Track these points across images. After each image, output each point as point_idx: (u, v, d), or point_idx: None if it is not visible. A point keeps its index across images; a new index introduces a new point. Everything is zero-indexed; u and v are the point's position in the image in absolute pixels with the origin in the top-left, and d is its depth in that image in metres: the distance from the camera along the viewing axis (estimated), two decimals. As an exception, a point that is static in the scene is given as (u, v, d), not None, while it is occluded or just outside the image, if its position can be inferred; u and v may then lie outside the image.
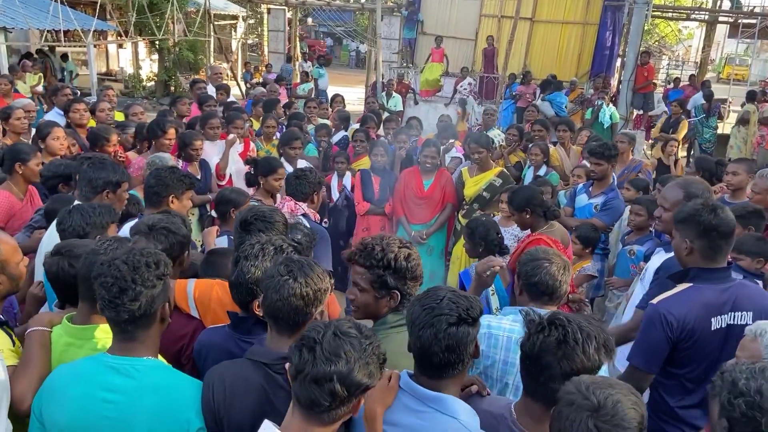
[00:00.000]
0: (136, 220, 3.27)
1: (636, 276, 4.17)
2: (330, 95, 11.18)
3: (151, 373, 1.88)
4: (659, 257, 3.27)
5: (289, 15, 20.19)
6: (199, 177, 5.05)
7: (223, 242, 3.76)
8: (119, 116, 6.84)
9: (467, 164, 5.99)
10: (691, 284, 2.61)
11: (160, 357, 2.02)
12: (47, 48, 15.28)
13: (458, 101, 12.99)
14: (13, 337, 2.30)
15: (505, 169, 5.89)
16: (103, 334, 2.12)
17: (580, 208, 5.14)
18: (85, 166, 3.30)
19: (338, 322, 1.66)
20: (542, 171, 6.20)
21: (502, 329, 2.38)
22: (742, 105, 12.48)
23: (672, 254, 3.10)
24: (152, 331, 1.92)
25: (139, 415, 1.84)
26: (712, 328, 2.56)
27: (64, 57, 15.55)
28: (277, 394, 1.91)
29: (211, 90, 9.33)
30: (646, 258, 4.14)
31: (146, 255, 1.89)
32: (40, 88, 11.10)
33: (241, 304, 2.21)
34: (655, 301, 2.63)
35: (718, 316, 2.56)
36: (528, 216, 3.85)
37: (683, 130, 10.53)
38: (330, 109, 9.19)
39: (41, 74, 12.55)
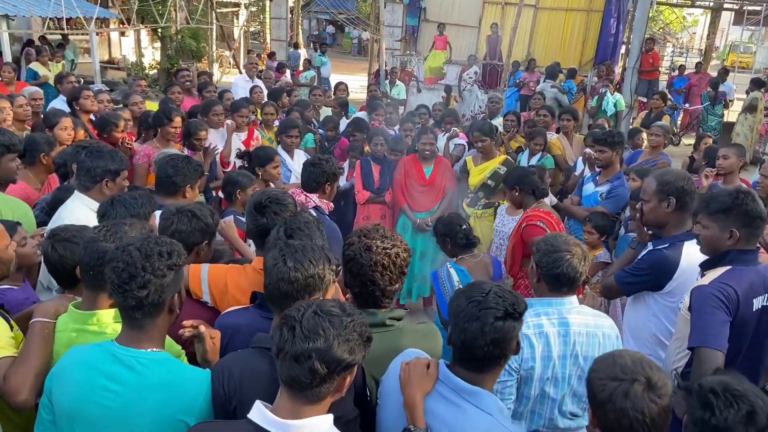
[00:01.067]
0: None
1: None
2: (333, 83, 11.14)
3: (154, 368, 1.88)
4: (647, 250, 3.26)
5: (291, 2, 20.11)
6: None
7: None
8: (153, 105, 6.86)
9: (473, 152, 5.98)
10: (730, 266, 2.65)
11: (168, 343, 2.03)
12: (60, 37, 15.19)
13: (444, 87, 12.94)
14: (11, 321, 2.31)
15: (509, 157, 5.89)
16: (106, 318, 2.14)
17: (586, 197, 5.15)
18: (82, 155, 3.29)
19: (322, 301, 1.68)
20: (536, 158, 6.22)
21: (529, 326, 2.41)
22: (747, 92, 12.38)
23: (660, 248, 3.09)
24: (159, 321, 1.92)
25: (138, 410, 1.84)
26: (754, 309, 2.61)
27: (61, 45, 15.47)
28: None
29: (246, 81, 9.31)
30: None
31: (160, 244, 1.90)
32: None
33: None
34: (704, 282, 2.63)
35: (759, 297, 2.62)
36: (517, 194, 4.27)
37: None
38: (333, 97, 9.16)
39: (64, 62, 12.49)
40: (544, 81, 11.71)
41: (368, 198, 5.86)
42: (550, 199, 5.26)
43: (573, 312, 2.50)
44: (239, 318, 2.30)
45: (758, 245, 2.75)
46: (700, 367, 2.45)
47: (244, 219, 3.93)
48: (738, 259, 2.65)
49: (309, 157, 5.83)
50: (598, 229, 4.59)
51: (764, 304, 2.63)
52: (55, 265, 2.41)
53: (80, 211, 3.13)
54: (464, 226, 3.84)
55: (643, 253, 3.18)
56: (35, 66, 10.41)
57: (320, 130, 7.07)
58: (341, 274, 2.23)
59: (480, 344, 1.77)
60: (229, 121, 5.78)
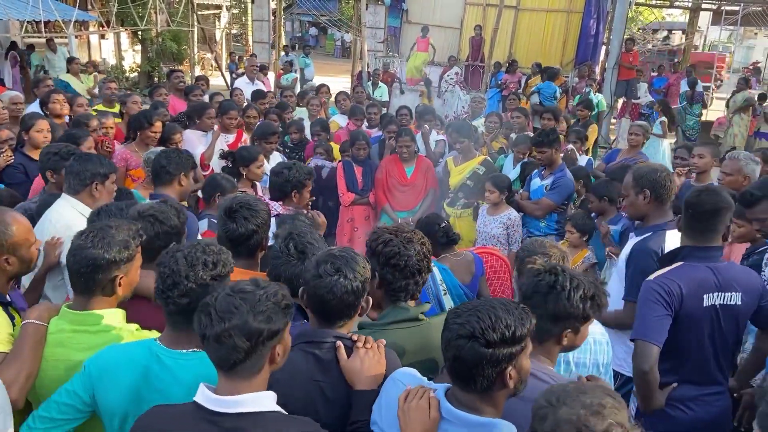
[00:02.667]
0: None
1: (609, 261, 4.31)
2: (317, 84, 11.11)
3: (191, 367, 1.91)
4: (630, 242, 3.32)
5: (273, 4, 20.04)
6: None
7: (203, 225, 3.87)
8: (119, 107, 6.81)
9: (453, 153, 6.02)
10: (683, 262, 2.71)
11: None
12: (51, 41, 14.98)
13: (424, 81, 12.95)
14: (16, 320, 2.31)
15: (488, 158, 5.92)
16: (110, 319, 2.13)
17: (534, 191, 5.27)
18: (71, 160, 3.37)
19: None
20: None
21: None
22: (735, 91, 12.47)
23: (640, 238, 3.19)
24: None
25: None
26: (704, 305, 2.64)
27: (30, 47, 15.28)
28: (326, 379, 1.97)
29: (246, 83, 9.24)
30: (622, 235, 4.25)
31: (207, 252, 1.95)
32: (96, 91, 11.07)
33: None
34: (651, 278, 2.71)
35: (710, 294, 2.65)
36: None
37: (593, 136, 8.96)
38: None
39: (96, 74, 12.32)
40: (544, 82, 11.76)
41: (353, 200, 5.87)
42: (520, 195, 5.34)
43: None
44: None
45: (719, 245, 2.78)
46: (636, 358, 2.58)
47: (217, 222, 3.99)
48: (691, 256, 2.71)
49: (284, 158, 5.86)
50: (578, 228, 4.63)
51: (721, 302, 2.65)
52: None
53: (69, 213, 3.14)
54: (443, 224, 3.83)
55: (628, 251, 3.25)
56: (67, 78, 10.16)
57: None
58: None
59: (447, 356, 1.73)
60: (216, 128, 5.72)
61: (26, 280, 2.97)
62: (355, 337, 2.03)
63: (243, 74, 15.16)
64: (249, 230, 2.64)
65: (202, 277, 1.90)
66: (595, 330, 2.54)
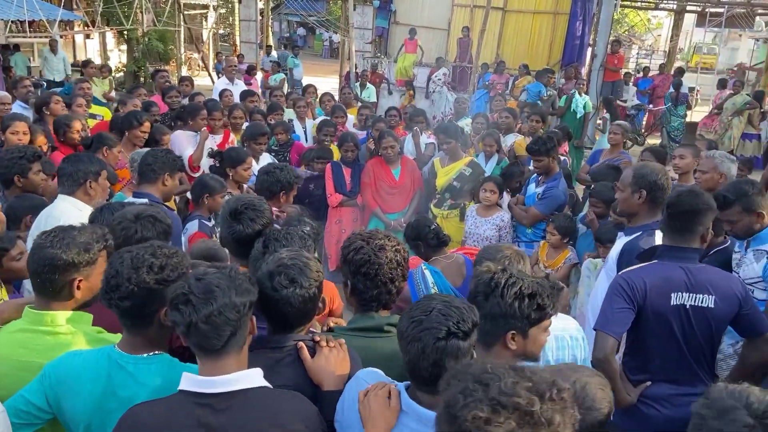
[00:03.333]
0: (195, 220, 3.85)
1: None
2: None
3: (150, 372, 1.88)
4: (620, 242, 3.36)
5: (260, 5, 19.97)
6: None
7: (194, 226, 3.87)
8: (100, 110, 6.75)
9: (441, 154, 6.03)
10: (656, 261, 2.76)
11: None
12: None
13: (405, 83, 12.96)
14: None
15: (474, 159, 5.94)
16: (61, 319, 2.09)
17: (528, 196, 5.26)
18: (63, 163, 3.48)
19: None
20: (494, 160, 6.21)
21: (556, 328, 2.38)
22: (732, 94, 12.51)
23: (630, 238, 3.23)
24: (151, 332, 1.90)
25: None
26: (672, 303, 2.67)
27: (16, 47, 15.09)
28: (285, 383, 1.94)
29: (225, 83, 9.19)
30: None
31: (156, 255, 1.89)
32: (113, 94, 10.94)
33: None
34: (621, 272, 2.78)
35: (679, 293, 2.67)
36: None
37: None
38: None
39: (111, 78, 12.19)
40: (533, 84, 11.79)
41: (341, 201, 5.86)
42: (516, 199, 5.36)
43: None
44: None
45: (696, 246, 2.80)
46: (594, 348, 2.65)
47: (208, 223, 3.98)
48: (666, 255, 2.76)
49: (273, 159, 5.84)
50: (559, 230, 4.67)
51: (691, 303, 2.67)
52: None
53: (71, 211, 3.18)
54: (433, 227, 3.82)
55: (619, 250, 3.29)
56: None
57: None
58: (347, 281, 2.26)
59: (423, 366, 1.69)
60: (203, 130, 5.68)
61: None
62: (317, 338, 2.02)
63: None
64: (255, 231, 2.60)
65: (145, 280, 1.83)
66: (570, 326, 2.58)
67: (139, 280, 1.83)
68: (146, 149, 4.65)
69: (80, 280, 2.11)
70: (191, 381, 1.68)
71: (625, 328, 2.68)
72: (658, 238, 3.13)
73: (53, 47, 14.32)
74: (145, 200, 3.48)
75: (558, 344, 2.50)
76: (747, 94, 12.32)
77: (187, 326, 1.64)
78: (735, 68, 19.44)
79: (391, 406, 1.76)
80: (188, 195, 4.85)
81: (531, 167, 5.48)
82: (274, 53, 18.23)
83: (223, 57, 15.99)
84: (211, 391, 1.66)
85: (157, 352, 1.92)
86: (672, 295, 2.66)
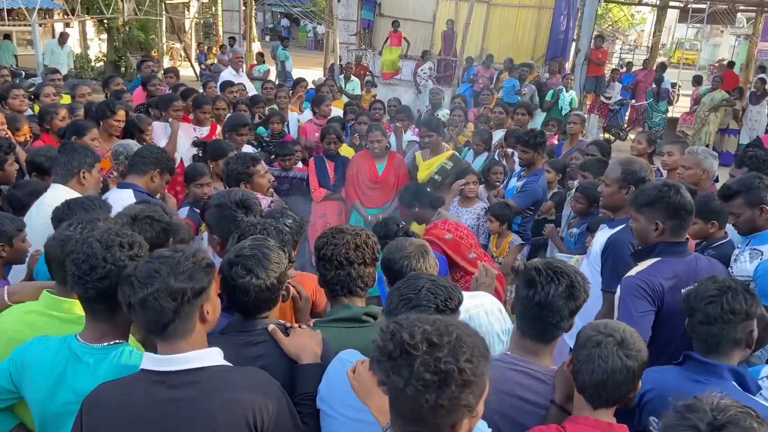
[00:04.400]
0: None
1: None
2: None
3: (108, 363, 1.89)
4: (603, 233, 3.37)
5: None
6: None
7: (183, 213, 4.00)
8: (66, 99, 6.60)
9: (416, 148, 6.03)
10: (659, 258, 2.73)
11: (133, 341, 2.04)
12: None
13: (366, 81, 12.87)
14: None
15: (455, 152, 5.93)
16: (79, 308, 2.09)
17: (508, 190, 5.32)
18: (57, 152, 3.55)
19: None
20: (483, 157, 6.22)
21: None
22: (710, 89, 12.64)
23: (615, 230, 3.23)
24: (121, 315, 1.90)
25: None
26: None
27: (6, 36, 14.76)
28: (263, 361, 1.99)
29: (231, 74, 9.05)
30: (581, 234, 4.31)
31: (121, 235, 1.93)
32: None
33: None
34: (632, 273, 2.72)
35: (689, 287, 2.67)
36: (417, 209, 4.46)
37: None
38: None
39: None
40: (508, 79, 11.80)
41: (325, 195, 5.82)
42: (496, 191, 5.40)
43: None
44: None
45: (687, 237, 2.83)
46: None
47: (197, 211, 4.03)
48: (666, 251, 2.74)
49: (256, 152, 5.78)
50: (497, 217, 4.86)
51: None
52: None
53: (62, 198, 3.13)
54: (402, 225, 3.80)
55: (603, 242, 3.28)
56: None
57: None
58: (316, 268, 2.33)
59: None
60: (172, 120, 5.56)
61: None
62: (288, 324, 2.10)
63: (212, 64, 14.98)
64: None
65: (120, 258, 1.87)
66: (484, 302, 2.50)
67: (114, 258, 1.86)
68: (130, 141, 4.62)
69: None
70: (151, 360, 1.71)
71: (650, 332, 2.61)
72: None
73: (62, 39, 13.82)
74: (130, 190, 3.52)
75: (473, 323, 2.36)
76: (727, 92, 12.45)
77: (127, 307, 1.69)
78: (716, 64, 19.65)
79: None
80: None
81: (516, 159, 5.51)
82: (237, 47, 17.98)
83: (228, 49, 15.73)
84: (168, 368, 1.69)
85: (118, 341, 1.93)
86: (683, 291, 2.66)
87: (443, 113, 7.62)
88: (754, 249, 3.24)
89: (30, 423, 2.08)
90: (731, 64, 16.21)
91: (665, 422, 1.46)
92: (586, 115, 8.58)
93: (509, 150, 6.04)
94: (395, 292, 1.86)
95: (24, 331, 2.07)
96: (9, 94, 5.60)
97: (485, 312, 2.47)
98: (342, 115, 7.51)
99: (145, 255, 1.93)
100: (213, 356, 1.76)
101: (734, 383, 2.10)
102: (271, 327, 2.04)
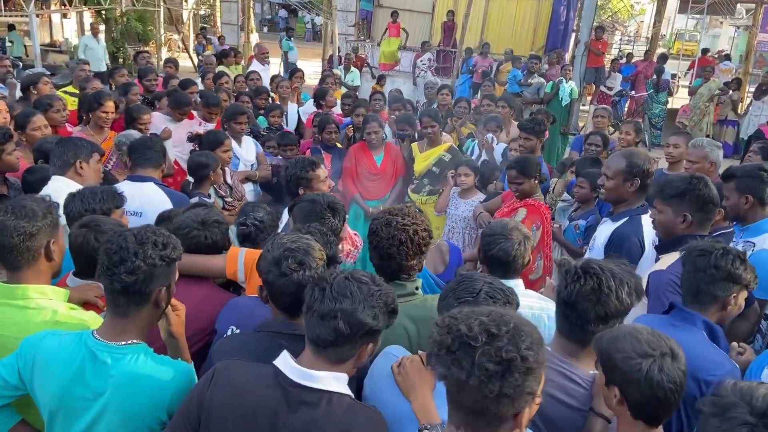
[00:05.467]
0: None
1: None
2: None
3: (125, 362, 1.88)
4: (606, 227, 3.37)
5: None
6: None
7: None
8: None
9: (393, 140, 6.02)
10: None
11: None
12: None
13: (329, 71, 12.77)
14: None
15: (454, 145, 5.91)
16: (43, 295, 2.12)
17: (507, 182, 5.24)
18: (54, 145, 3.58)
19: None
20: (500, 148, 6.19)
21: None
22: (705, 81, 12.59)
23: (619, 223, 3.22)
24: (144, 313, 1.92)
25: (111, 405, 1.86)
26: None
27: (11, 26, 14.67)
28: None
29: (259, 67, 9.07)
30: (588, 230, 4.28)
31: (157, 234, 1.93)
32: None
33: None
34: (662, 267, 2.71)
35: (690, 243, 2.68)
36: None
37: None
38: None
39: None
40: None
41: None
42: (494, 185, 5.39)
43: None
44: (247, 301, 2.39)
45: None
46: None
47: (208, 200, 4.12)
48: None
49: (258, 144, 5.76)
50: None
51: None
52: (90, 253, 2.34)
53: (64, 191, 3.13)
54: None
55: (607, 236, 3.28)
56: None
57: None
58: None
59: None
60: (164, 127, 5.55)
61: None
62: None
63: (210, 55, 14.88)
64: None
65: (151, 255, 1.86)
66: (550, 306, 2.49)
67: (145, 255, 1.86)
68: (131, 132, 4.63)
69: (53, 242, 2.17)
70: (285, 362, 1.72)
71: None
72: (644, 222, 3.16)
73: (94, 30, 13.32)
74: (151, 183, 3.62)
75: (535, 322, 2.39)
76: (726, 84, 12.44)
77: (307, 309, 1.71)
78: (716, 55, 19.58)
79: (429, 369, 1.77)
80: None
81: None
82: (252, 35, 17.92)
83: (214, 38, 15.58)
84: (297, 380, 1.68)
85: (134, 341, 1.91)
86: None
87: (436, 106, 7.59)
88: (747, 241, 3.26)
89: (32, 420, 2.07)
90: (705, 51, 16.56)
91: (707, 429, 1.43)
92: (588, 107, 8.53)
93: (489, 136, 6.01)
94: (451, 295, 1.86)
95: None
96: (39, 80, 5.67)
97: (547, 316, 2.50)
98: (340, 107, 7.48)
99: (178, 258, 1.97)
100: (343, 384, 1.73)
101: (704, 333, 2.23)
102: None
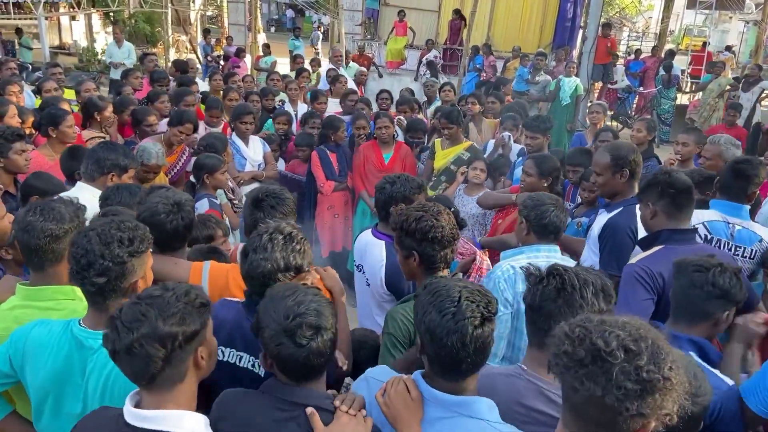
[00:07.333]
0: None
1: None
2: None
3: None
4: (602, 218, 3.38)
5: (249, -14, 19.67)
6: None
7: (204, 204, 4.05)
8: (69, 94, 6.64)
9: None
10: (663, 246, 2.75)
11: None
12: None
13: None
14: None
15: (474, 144, 5.88)
16: (63, 296, 2.16)
17: (516, 180, 5.25)
18: (95, 147, 3.45)
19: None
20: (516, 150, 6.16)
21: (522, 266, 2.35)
22: (714, 77, 12.50)
23: (612, 213, 3.26)
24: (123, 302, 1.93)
25: (100, 389, 1.89)
26: None
27: (19, 30, 14.77)
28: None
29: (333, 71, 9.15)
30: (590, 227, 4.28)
31: (122, 229, 1.89)
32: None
33: (258, 294, 2.04)
34: (633, 261, 2.76)
35: (681, 257, 2.67)
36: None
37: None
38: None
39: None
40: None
41: (334, 187, 5.79)
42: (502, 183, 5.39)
43: (557, 258, 2.73)
44: (227, 310, 2.22)
45: (694, 226, 2.86)
46: None
47: (216, 201, 4.20)
48: (671, 238, 2.76)
49: (266, 144, 5.78)
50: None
51: None
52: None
53: (89, 201, 3.12)
54: (453, 209, 3.59)
55: (601, 226, 3.30)
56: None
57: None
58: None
59: (462, 357, 1.65)
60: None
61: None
62: (337, 402, 1.76)
63: (218, 56, 14.92)
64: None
65: (119, 254, 1.84)
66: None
67: (112, 255, 1.84)
68: (152, 143, 4.63)
69: None
70: (126, 409, 1.57)
71: (649, 317, 2.61)
72: (639, 212, 3.15)
73: (116, 34, 12.81)
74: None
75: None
76: (736, 79, 12.34)
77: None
78: (724, 50, 19.45)
79: (414, 397, 1.73)
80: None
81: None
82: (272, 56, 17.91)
83: (221, 40, 15.53)
84: (133, 423, 1.53)
85: None
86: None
87: (437, 106, 7.57)
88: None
89: (23, 411, 2.12)
90: (705, 44, 16.62)
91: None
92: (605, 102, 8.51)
93: (505, 134, 6.00)
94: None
95: (12, 327, 2.07)
96: (4, 91, 5.58)
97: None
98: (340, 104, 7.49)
99: (146, 250, 1.92)
100: (188, 422, 1.55)
101: (692, 354, 2.13)
102: (309, 410, 1.70)
